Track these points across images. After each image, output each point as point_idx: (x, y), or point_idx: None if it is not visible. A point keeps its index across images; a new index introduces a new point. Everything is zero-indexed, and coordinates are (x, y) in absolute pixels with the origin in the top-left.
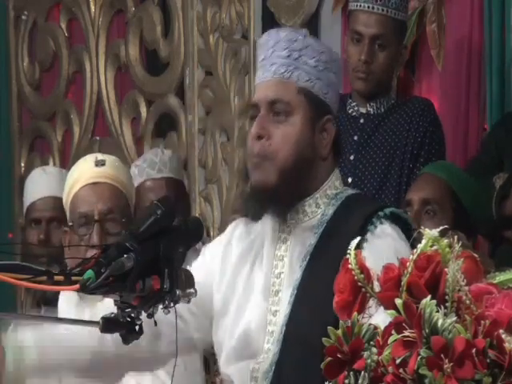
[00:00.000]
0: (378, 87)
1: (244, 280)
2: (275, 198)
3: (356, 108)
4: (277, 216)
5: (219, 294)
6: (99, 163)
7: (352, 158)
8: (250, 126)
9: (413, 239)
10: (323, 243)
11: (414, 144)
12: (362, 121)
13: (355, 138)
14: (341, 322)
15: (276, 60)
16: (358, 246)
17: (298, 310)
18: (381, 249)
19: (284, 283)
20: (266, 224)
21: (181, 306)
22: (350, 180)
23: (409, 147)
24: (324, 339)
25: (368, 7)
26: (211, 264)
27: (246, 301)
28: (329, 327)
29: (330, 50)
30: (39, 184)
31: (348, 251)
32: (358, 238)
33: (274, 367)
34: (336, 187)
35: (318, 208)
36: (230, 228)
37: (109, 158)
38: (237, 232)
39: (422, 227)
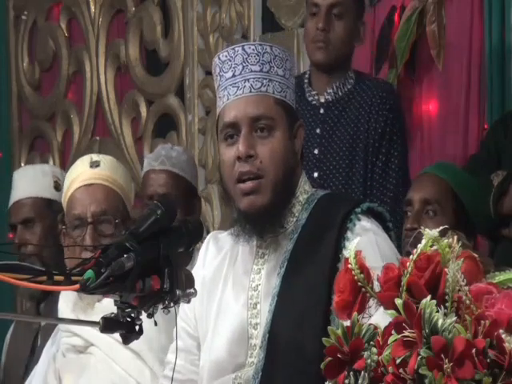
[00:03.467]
0: (337, 60)
1: (218, 298)
2: (267, 217)
3: (316, 97)
4: (259, 233)
5: (201, 320)
6: (93, 164)
7: (316, 151)
8: (227, 147)
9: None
10: (300, 248)
11: (374, 136)
12: (322, 111)
13: (317, 131)
14: (340, 321)
15: (249, 75)
16: (340, 245)
17: (280, 317)
18: (363, 245)
19: (262, 295)
20: (241, 239)
21: (194, 369)
22: (315, 175)
23: (370, 139)
24: (324, 339)
25: None
26: (192, 305)
27: (223, 318)
28: (329, 327)
29: (290, 55)
30: (13, 189)
31: (347, 252)
32: (358, 239)
33: (260, 374)
34: (306, 191)
35: (293, 217)
36: (202, 251)
37: (104, 159)
38: (208, 254)
39: (422, 227)
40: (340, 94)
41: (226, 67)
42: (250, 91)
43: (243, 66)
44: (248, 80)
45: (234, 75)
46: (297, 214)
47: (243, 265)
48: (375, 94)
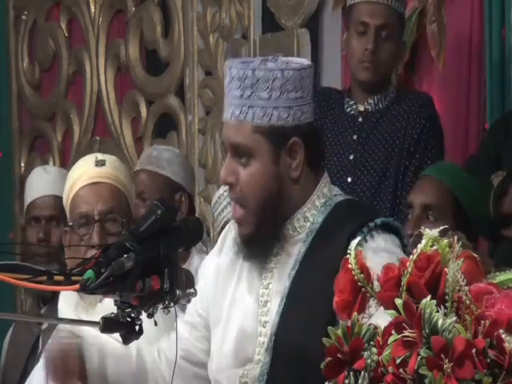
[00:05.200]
0: (382, 80)
1: (232, 290)
2: (259, 244)
3: (354, 106)
4: (266, 250)
5: (214, 308)
6: (99, 163)
7: (351, 157)
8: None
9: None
10: (312, 252)
11: (410, 141)
12: (360, 119)
13: (354, 137)
14: (341, 321)
15: (231, 100)
16: None
17: (288, 320)
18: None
19: (272, 293)
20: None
21: (199, 355)
22: (349, 180)
23: (405, 144)
24: (324, 339)
25: None
26: (205, 286)
27: (235, 311)
28: (329, 327)
29: (284, 71)
30: (39, 183)
31: (348, 251)
32: (358, 239)
33: (265, 377)
34: (324, 195)
35: (307, 222)
36: (222, 235)
37: (109, 158)
38: (227, 242)
39: (423, 227)
40: (380, 106)
41: (226, 81)
42: (231, 118)
43: (229, 89)
44: (231, 105)
45: (225, 93)
46: (311, 219)
47: (257, 262)
48: (414, 103)
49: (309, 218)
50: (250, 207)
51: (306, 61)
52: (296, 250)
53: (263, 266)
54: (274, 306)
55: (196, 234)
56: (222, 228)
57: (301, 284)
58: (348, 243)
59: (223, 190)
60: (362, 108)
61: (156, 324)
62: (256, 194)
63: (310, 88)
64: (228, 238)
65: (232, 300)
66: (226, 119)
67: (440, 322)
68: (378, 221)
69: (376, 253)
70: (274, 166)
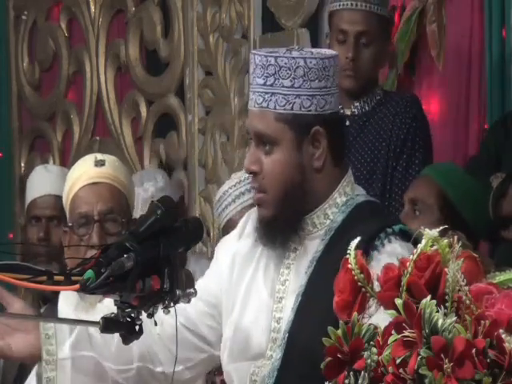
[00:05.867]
0: (366, 85)
1: (249, 279)
2: (277, 228)
3: (342, 111)
4: (285, 240)
5: (228, 293)
6: (99, 163)
7: None
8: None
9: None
10: (330, 251)
11: (396, 142)
12: (347, 123)
13: None
14: (341, 321)
15: (255, 88)
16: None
17: (302, 318)
18: None
19: (288, 290)
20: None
21: (202, 328)
22: None
23: (391, 146)
24: (324, 339)
25: (351, 4)
26: (221, 268)
27: (250, 303)
28: (329, 327)
29: (306, 59)
30: (41, 182)
31: (348, 251)
32: (359, 238)
33: (275, 373)
34: (346, 193)
35: (327, 219)
36: (243, 220)
37: (108, 158)
38: (248, 227)
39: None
40: (367, 108)
41: (250, 69)
42: (254, 106)
43: (253, 77)
44: (254, 93)
45: (250, 83)
46: (331, 217)
47: (275, 257)
48: (400, 104)
49: (329, 215)
50: (271, 194)
51: (330, 51)
52: (314, 246)
53: (281, 260)
54: (289, 304)
55: (196, 234)
56: (225, 226)
57: (317, 282)
58: (365, 249)
59: (228, 186)
60: (348, 112)
61: (156, 324)
62: (278, 182)
63: (335, 78)
64: (248, 224)
65: (247, 291)
66: (250, 107)
67: (440, 322)
68: (397, 227)
69: (391, 257)
70: (297, 154)
